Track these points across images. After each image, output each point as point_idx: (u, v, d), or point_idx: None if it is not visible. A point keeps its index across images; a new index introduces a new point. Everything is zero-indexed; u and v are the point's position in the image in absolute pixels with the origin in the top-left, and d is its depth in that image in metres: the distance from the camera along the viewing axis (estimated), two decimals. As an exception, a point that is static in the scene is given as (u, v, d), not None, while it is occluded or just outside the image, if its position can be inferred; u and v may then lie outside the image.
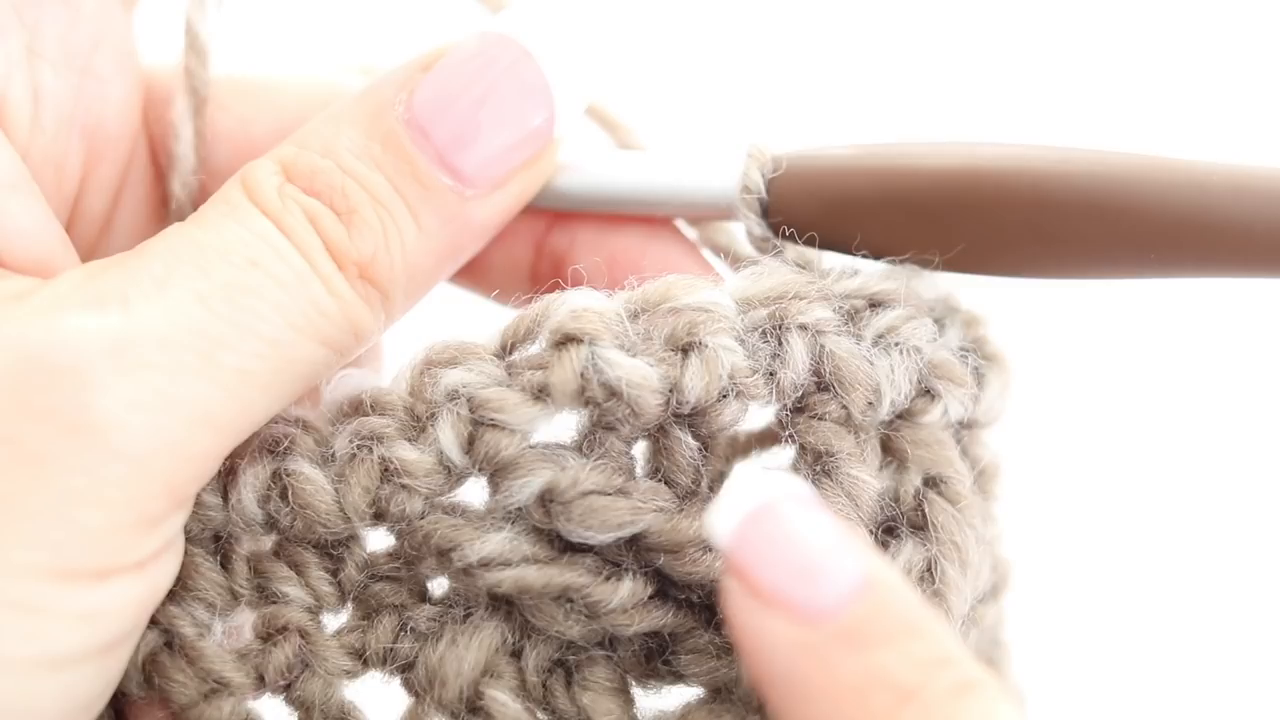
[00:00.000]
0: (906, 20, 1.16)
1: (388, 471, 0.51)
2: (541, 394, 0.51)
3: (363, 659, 0.53)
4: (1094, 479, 1.08)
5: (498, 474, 0.51)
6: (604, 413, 0.51)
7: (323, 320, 0.51)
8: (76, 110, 0.56)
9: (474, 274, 0.61)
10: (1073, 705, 1.00)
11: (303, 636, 0.53)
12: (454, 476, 0.52)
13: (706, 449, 0.53)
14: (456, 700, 0.52)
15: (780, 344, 0.53)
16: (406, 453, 0.51)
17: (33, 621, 0.46)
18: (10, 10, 0.53)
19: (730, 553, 0.44)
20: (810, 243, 0.56)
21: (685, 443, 0.53)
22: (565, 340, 0.51)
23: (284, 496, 0.52)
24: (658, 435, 0.53)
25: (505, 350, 0.53)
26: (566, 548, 0.53)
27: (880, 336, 0.54)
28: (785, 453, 0.55)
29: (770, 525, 0.44)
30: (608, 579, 0.52)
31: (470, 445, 0.51)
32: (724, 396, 0.52)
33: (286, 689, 0.53)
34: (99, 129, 0.57)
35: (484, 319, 0.56)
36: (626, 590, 0.52)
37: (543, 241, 0.60)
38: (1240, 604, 1.06)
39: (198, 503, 0.52)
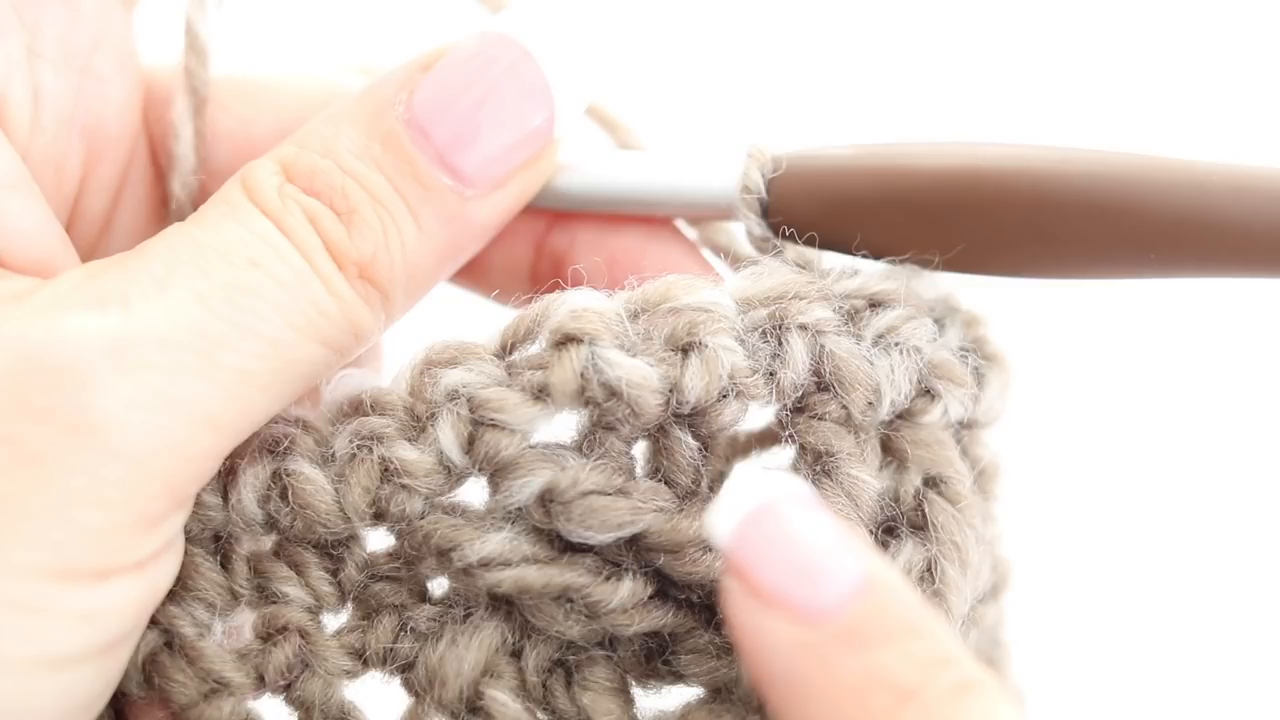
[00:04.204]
0: (906, 20, 1.16)
1: (388, 471, 0.51)
2: (541, 394, 0.51)
3: (363, 659, 0.53)
4: (1093, 479, 1.08)
5: (498, 474, 0.51)
6: (604, 413, 0.51)
7: (323, 320, 0.51)
8: (76, 110, 0.56)
9: (474, 274, 0.61)
10: (1073, 705, 1.00)
11: (303, 636, 0.53)
12: (454, 476, 0.52)
13: (706, 449, 0.53)
14: (456, 700, 0.52)
15: (780, 344, 0.53)
16: (406, 453, 0.51)
17: (33, 621, 0.46)
18: (10, 10, 0.53)
19: (730, 553, 0.44)
20: (810, 243, 0.56)
21: (685, 443, 0.53)
22: (565, 340, 0.51)
23: (284, 496, 0.52)
24: (658, 435, 0.53)
25: (505, 350, 0.53)
26: (566, 548, 0.52)
27: (880, 336, 0.54)
28: (785, 453, 0.55)
29: (770, 525, 0.44)
30: (608, 579, 0.52)
31: (470, 445, 0.51)
32: (724, 396, 0.52)
33: (286, 689, 0.53)
34: (99, 129, 0.57)
35: (484, 319, 0.56)
36: (626, 590, 0.52)
37: (543, 241, 0.60)
38: (1240, 604, 1.06)
39: (198, 503, 0.52)
